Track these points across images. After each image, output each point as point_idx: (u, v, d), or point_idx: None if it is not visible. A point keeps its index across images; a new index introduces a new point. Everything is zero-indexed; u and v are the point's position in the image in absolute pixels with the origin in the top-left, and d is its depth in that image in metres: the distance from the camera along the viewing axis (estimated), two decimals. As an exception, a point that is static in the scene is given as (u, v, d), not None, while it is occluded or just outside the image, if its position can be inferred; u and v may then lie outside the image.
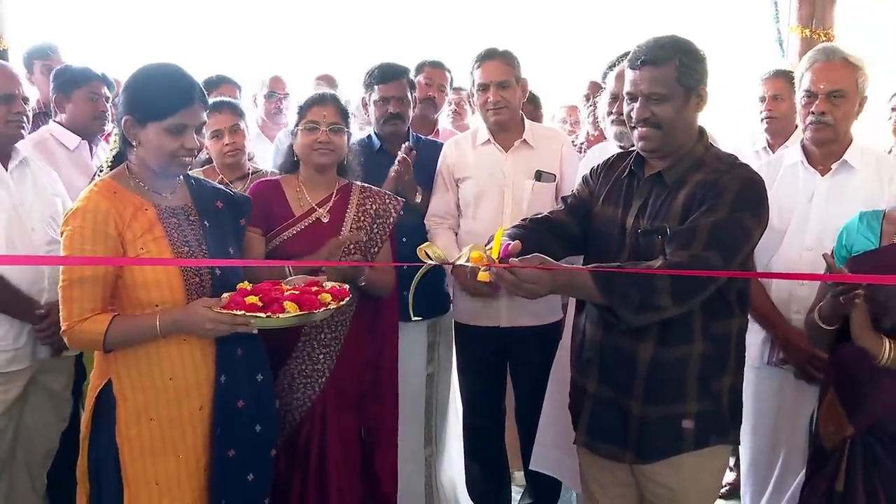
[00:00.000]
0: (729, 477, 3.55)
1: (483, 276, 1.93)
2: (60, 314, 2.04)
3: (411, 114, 3.22)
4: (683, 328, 2.03)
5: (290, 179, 2.65)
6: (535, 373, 3.01)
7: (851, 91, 2.48)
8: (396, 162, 2.94)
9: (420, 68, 3.76)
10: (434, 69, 3.78)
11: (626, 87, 2.11)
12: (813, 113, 2.51)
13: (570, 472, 2.61)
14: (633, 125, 2.10)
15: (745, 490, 2.86)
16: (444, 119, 4.23)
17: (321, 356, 2.55)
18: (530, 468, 2.93)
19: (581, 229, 2.25)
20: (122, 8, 6.14)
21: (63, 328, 2.03)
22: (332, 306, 2.13)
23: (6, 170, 2.67)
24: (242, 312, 1.99)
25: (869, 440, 2.10)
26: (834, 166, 2.54)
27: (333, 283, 2.24)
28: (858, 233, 2.21)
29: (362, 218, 2.63)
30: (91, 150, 3.23)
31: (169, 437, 2.10)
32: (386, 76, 3.11)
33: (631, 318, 1.96)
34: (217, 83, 3.64)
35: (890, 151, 3.57)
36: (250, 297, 2.03)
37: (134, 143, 2.09)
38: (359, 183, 2.70)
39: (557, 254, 2.17)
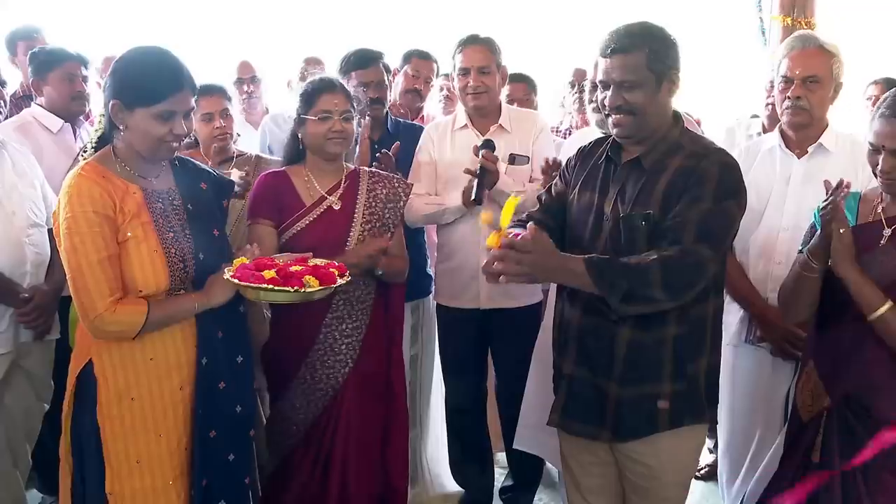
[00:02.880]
0: (708, 459, 3.62)
1: (491, 241, 1.95)
2: (82, 302, 1.99)
3: (389, 96, 3.26)
4: (660, 312, 2.05)
5: (297, 169, 2.61)
6: (515, 354, 3.05)
7: (826, 77, 2.56)
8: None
9: (408, 58, 3.81)
10: (421, 61, 3.81)
11: (599, 76, 2.12)
12: (789, 98, 2.58)
13: (554, 451, 2.61)
14: (607, 112, 2.12)
15: (721, 468, 2.91)
16: (436, 105, 4.29)
17: (343, 346, 2.55)
18: (514, 447, 2.95)
19: (556, 223, 2.27)
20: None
21: (98, 312, 1.98)
22: (342, 281, 2.18)
23: None
24: (270, 286, 2.02)
25: (844, 412, 2.14)
26: (810, 149, 2.61)
27: (323, 261, 2.26)
28: None
29: (374, 203, 2.62)
30: (74, 132, 3.23)
31: (150, 417, 2.11)
32: (362, 62, 3.14)
33: (620, 308, 1.98)
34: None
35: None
36: (267, 271, 2.05)
37: (121, 128, 2.07)
38: (366, 168, 2.71)
39: None
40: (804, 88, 2.56)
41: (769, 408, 2.69)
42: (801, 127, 2.61)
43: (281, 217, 2.54)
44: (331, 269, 2.18)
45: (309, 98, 2.53)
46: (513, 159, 2.98)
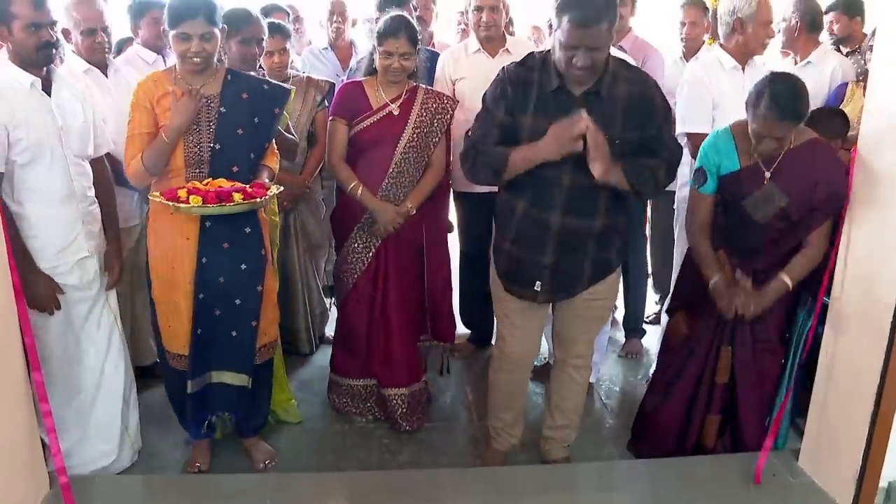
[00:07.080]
0: (655, 308, 4.31)
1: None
2: (124, 154, 2.56)
3: None
4: (617, 206, 2.57)
5: (371, 81, 3.00)
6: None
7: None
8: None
9: None
10: None
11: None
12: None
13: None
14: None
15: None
16: (452, 36, 4.90)
17: None
18: None
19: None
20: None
21: (127, 162, 2.56)
22: (233, 204, 2.43)
23: (106, 77, 3.14)
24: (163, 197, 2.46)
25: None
26: (749, 63, 3.22)
27: (270, 187, 2.59)
28: (719, 152, 2.65)
29: (424, 113, 2.99)
30: (164, 61, 3.63)
31: (169, 255, 2.65)
32: (397, 0, 3.56)
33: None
34: (270, 11, 4.06)
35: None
36: (181, 191, 2.44)
37: (170, 46, 2.53)
38: (424, 86, 3.08)
39: None
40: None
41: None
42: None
43: (353, 114, 2.96)
44: (235, 192, 2.46)
45: (379, 38, 2.90)
46: None
